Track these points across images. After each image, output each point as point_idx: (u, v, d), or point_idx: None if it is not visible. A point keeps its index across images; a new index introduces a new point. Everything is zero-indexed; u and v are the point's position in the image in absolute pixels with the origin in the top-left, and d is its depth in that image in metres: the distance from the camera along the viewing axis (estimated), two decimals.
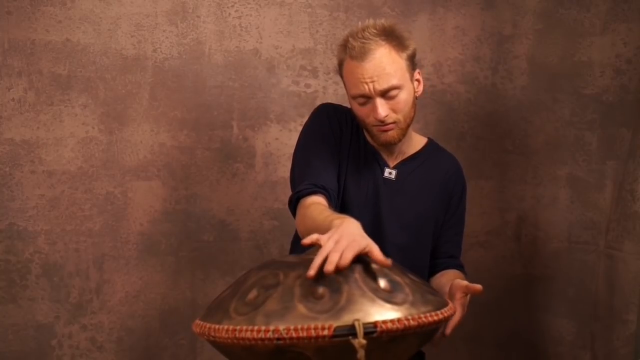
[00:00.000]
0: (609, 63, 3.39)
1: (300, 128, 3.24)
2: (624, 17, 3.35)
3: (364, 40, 2.27)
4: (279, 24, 3.33)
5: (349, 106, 2.45)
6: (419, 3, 3.43)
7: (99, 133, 3.17)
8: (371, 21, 2.33)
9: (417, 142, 2.57)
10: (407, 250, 2.41)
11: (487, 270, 3.52)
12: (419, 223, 2.48)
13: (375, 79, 2.27)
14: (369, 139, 2.48)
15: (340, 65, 2.37)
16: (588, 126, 3.43)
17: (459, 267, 2.61)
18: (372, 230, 2.28)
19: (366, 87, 2.27)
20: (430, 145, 2.61)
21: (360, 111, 2.35)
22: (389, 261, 1.82)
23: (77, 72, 3.14)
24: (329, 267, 1.72)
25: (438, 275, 2.55)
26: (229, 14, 3.28)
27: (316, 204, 2.23)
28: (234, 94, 3.30)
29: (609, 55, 3.39)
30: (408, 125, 2.40)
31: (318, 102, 3.31)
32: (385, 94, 2.29)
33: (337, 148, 2.45)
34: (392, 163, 2.50)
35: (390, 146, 2.44)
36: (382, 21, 2.34)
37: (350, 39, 2.30)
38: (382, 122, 2.32)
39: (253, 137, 3.32)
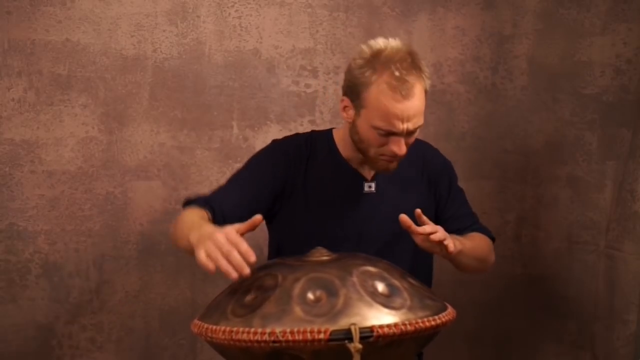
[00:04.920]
0: (609, 63, 3.38)
1: (300, 128, 3.27)
2: (624, 17, 3.35)
3: (407, 73, 2.18)
4: (279, 24, 3.33)
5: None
6: (419, 3, 3.43)
7: (99, 133, 3.18)
8: (398, 44, 2.25)
9: None
10: (393, 254, 2.36)
11: None
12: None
13: (411, 119, 2.20)
14: (342, 152, 2.44)
15: (364, 86, 2.23)
16: (588, 126, 3.43)
17: (479, 230, 2.58)
18: (358, 246, 2.29)
19: (401, 126, 2.20)
20: None
21: (375, 140, 2.26)
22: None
23: (77, 72, 3.14)
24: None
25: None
26: (229, 14, 3.28)
27: (196, 212, 2.23)
28: (234, 94, 3.30)
29: (609, 55, 3.38)
30: None
31: (318, 102, 3.33)
32: (410, 133, 2.25)
33: (265, 189, 2.39)
34: (369, 175, 2.45)
35: (390, 172, 2.39)
36: (407, 44, 2.28)
37: (392, 67, 2.18)
38: (397, 157, 2.28)
39: (253, 137, 3.32)
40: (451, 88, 3.49)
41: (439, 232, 2.08)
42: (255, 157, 2.50)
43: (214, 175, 3.29)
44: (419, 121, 2.24)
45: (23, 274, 3.13)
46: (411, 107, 2.19)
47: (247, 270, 1.76)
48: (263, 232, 3.31)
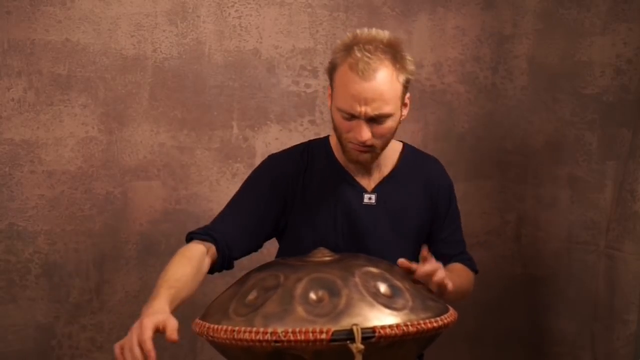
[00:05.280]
0: (609, 63, 3.39)
1: (300, 128, 3.27)
2: (624, 17, 3.35)
3: (369, 56, 2.13)
4: (279, 24, 3.33)
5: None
6: (419, 3, 3.43)
7: (98, 133, 3.17)
8: (380, 32, 2.21)
9: (392, 151, 2.42)
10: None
11: (487, 270, 3.50)
12: (403, 240, 2.38)
13: (369, 102, 2.14)
14: (340, 160, 2.38)
15: (334, 67, 2.21)
16: (588, 126, 3.43)
17: (464, 261, 2.51)
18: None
19: (358, 108, 2.15)
20: (407, 152, 2.47)
21: (342, 124, 2.22)
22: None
23: (77, 72, 3.14)
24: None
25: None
26: (229, 14, 3.28)
27: (183, 258, 2.21)
28: (234, 94, 3.30)
29: (609, 55, 3.39)
30: (383, 150, 2.30)
31: (318, 102, 3.33)
32: (373, 119, 2.17)
33: (268, 206, 2.35)
34: (369, 186, 2.37)
35: (364, 165, 2.34)
36: (390, 35, 2.22)
37: (355, 49, 2.14)
38: (361, 144, 2.21)
39: (253, 137, 3.32)
40: (451, 88, 3.49)
41: (439, 272, 2.02)
42: (253, 177, 2.44)
43: (214, 175, 3.29)
44: (381, 107, 2.16)
45: (23, 274, 3.13)
46: (369, 89, 2.13)
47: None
48: (273, 245, 3.32)
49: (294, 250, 2.29)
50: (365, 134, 2.18)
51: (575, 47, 3.44)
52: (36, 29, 3.09)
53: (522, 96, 3.51)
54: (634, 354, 3.16)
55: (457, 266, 2.46)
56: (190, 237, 2.28)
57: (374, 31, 2.21)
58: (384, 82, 2.15)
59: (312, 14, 3.35)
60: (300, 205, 2.36)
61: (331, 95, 2.27)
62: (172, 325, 1.91)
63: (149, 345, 1.82)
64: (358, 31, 2.22)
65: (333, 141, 2.41)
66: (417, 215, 2.41)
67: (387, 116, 2.18)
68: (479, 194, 3.49)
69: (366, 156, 2.26)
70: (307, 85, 3.36)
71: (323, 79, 3.37)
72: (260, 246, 2.39)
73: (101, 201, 3.20)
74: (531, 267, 3.57)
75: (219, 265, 2.26)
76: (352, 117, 2.17)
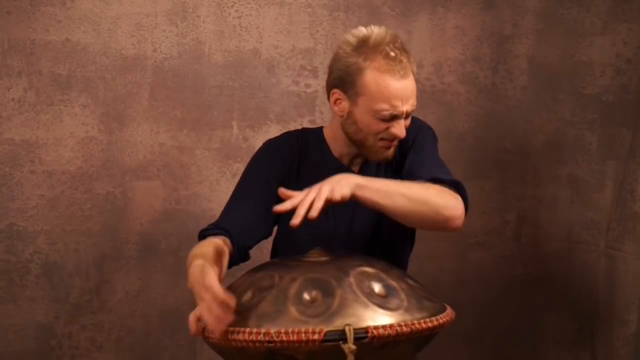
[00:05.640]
0: (609, 63, 3.39)
1: (300, 128, 3.26)
2: (624, 17, 3.35)
3: (401, 55, 2.16)
4: (279, 24, 3.33)
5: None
6: (419, 3, 3.43)
7: (98, 133, 3.18)
8: (384, 30, 2.21)
9: None
10: (380, 247, 2.33)
11: (487, 270, 3.52)
12: (390, 219, 2.26)
13: (409, 99, 2.18)
14: (335, 153, 2.39)
15: (358, 72, 2.18)
16: (588, 126, 3.43)
17: (429, 180, 2.15)
18: (348, 240, 2.30)
19: (401, 107, 2.17)
20: None
21: (375, 126, 2.21)
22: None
23: (77, 72, 3.14)
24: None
25: None
26: (229, 13, 3.28)
27: (204, 245, 2.18)
28: (234, 94, 3.30)
29: (609, 55, 3.39)
30: None
31: (318, 102, 3.33)
32: (408, 115, 2.22)
33: (271, 190, 2.26)
34: (355, 169, 2.38)
35: (387, 160, 2.33)
36: (391, 31, 2.23)
37: (387, 49, 2.16)
38: (397, 140, 2.24)
39: (253, 137, 3.32)
40: (451, 88, 3.48)
41: (299, 208, 1.91)
42: (252, 164, 2.45)
43: (214, 175, 3.30)
44: (414, 102, 2.21)
45: (23, 274, 3.14)
46: (409, 86, 2.18)
47: (230, 319, 1.75)
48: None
49: (287, 235, 2.34)
50: (404, 130, 2.23)
51: (575, 47, 3.44)
52: (36, 29, 3.09)
53: (522, 96, 3.50)
54: (634, 354, 3.15)
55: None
56: (202, 235, 2.27)
57: (382, 30, 2.22)
58: (412, 78, 2.20)
59: (312, 14, 3.35)
60: (295, 189, 2.37)
61: (347, 101, 2.24)
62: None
63: (223, 294, 1.76)
64: (361, 33, 2.22)
65: (327, 134, 2.42)
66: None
67: (414, 110, 2.24)
68: (479, 194, 3.49)
69: (393, 150, 2.30)
70: (307, 85, 3.36)
71: (323, 79, 3.33)
72: (272, 231, 2.40)
73: (101, 201, 3.20)
74: (531, 267, 3.56)
75: (236, 257, 2.25)
76: (393, 116, 2.19)
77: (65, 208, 3.17)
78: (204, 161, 3.29)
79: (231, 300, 1.75)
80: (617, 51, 3.37)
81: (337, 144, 2.38)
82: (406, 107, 2.18)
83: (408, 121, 2.25)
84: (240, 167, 3.28)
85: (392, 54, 2.15)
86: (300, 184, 2.36)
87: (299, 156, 2.41)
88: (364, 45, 2.19)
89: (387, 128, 2.22)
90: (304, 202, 1.90)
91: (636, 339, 3.16)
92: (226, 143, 3.30)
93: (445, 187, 2.12)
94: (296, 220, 1.85)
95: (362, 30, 2.23)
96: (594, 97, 3.41)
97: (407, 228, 2.34)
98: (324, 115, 3.34)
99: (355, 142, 2.31)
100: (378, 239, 2.37)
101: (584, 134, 3.44)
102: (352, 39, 2.22)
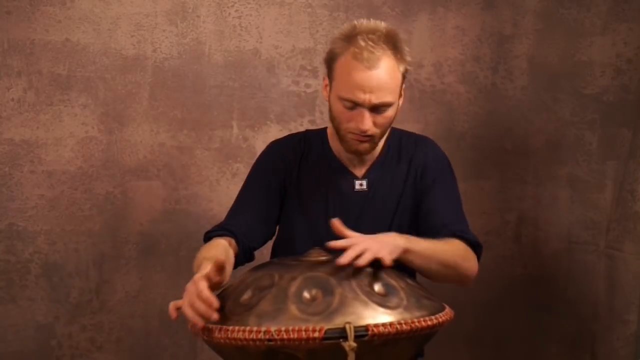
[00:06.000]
0: (609, 63, 3.39)
1: (300, 128, 3.26)
2: (624, 16, 3.36)
3: (373, 45, 2.16)
4: (279, 24, 3.33)
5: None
6: (419, 3, 3.43)
7: (98, 133, 3.18)
8: (379, 23, 2.24)
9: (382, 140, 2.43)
10: None
11: (487, 270, 3.48)
12: (396, 224, 2.35)
13: (373, 90, 2.17)
14: (334, 149, 2.42)
15: (334, 57, 2.23)
16: (588, 126, 3.43)
17: (454, 233, 2.27)
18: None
19: (362, 96, 2.17)
20: (393, 136, 2.45)
21: (343, 114, 2.24)
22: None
23: (77, 72, 3.14)
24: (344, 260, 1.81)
25: None
26: (229, 13, 3.28)
27: (210, 245, 2.21)
28: (234, 94, 3.30)
29: (609, 55, 3.39)
30: (381, 139, 2.33)
31: (318, 102, 3.33)
32: (375, 108, 2.20)
33: (274, 191, 2.40)
34: (360, 173, 2.40)
35: (362, 154, 2.35)
36: (389, 26, 2.24)
37: (359, 37, 2.17)
38: (362, 133, 2.23)
39: (253, 137, 3.32)
40: (451, 88, 3.48)
41: (350, 251, 1.89)
42: (257, 165, 2.49)
43: (214, 175, 3.30)
44: (384, 96, 2.19)
45: (23, 274, 3.14)
46: (374, 77, 2.16)
47: (213, 316, 1.78)
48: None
49: (287, 237, 2.39)
50: (367, 122, 2.21)
51: (575, 47, 3.44)
52: (36, 29, 3.10)
53: (522, 96, 3.50)
54: (634, 354, 3.15)
55: (443, 239, 2.23)
56: (208, 237, 2.30)
57: (373, 22, 2.24)
58: (387, 71, 2.18)
59: (312, 14, 3.35)
60: (294, 191, 2.42)
61: (329, 86, 2.29)
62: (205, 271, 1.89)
63: (205, 292, 1.80)
64: (356, 22, 2.25)
65: (329, 132, 2.45)
66: (407, 197, 2.39)
67: (388, 105, 2.22)
68: (479, 194, 3.49)
69: (366, 146, 2.29)
70: (307, 85, 3.36)
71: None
72: (274, 231, 2.46)
73: (101, 201, 3.20)
74: (531, 267, 3.56)
75: (241, 257, 2.29)
76: (355, 105, 2.20)
77: (65, 208, 3.17)
78: (204, 161, 3.29)
79: (214, 301, 1.78)
80: (617, 51, 3.38)
81: (334, 140, 2.41)
82: (369, 97, 2.18)
83: (382, 118, 2.24)
84: (240, 167, 3.29)
85: (363, 43, 2.17)
86: (300, 184, 2.39)
87: (300, 158, 2.43)
88: (348, 33, 2.22)
89: (353, 118, 2.23)
90: (357, 248, 1.89)
91: (636, 339, 3.16)
92: (226, 143, 3.30)
93: (468, 246, 2.26)
94: (344, 260, 1.85)
95: (360, 20, 2.25)
96: (594, 97, 3.42)
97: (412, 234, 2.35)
98: (324, 115, 3.34)
99: (335, 130, 2.33)
100: None
101: (584, 134, 3.44)
102: (346, 27, 2.26)
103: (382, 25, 2.23)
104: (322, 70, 3.30)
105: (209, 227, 3.22)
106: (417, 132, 2.55)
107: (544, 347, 3.55)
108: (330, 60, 2.26)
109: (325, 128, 2.49)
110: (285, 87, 3.35)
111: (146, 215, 3.26)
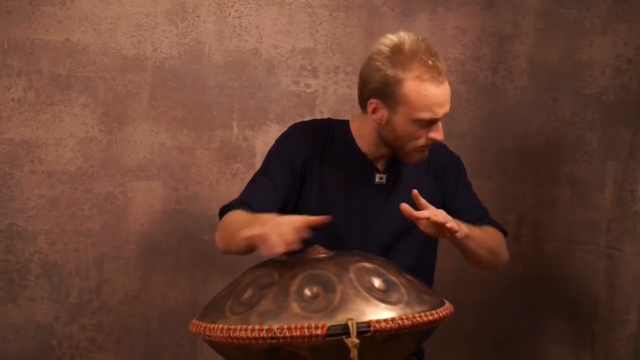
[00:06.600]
0: (609, 63, 3.39)
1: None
2: (624, 16, 3.36)
3: (437, 60, 2.23)
4: (279, 24, 3.33)
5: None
6: (419, 3, 3.43)
7: (98, 133, 3.17)
8: (419, 36, 2.29)
9: None
10: (397, 250, 2.39)
11: None
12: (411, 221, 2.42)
13: (447, 103, 2.26)
14: (357, 142, 2.45)
15: (397, 83, 2.23)
16: (588, 126, 3.44)
17: (490, 223, 2.53)
18: (364, 237, 2.31)
19: (440, 111, 2.24)
20: None
21: (416, 133, 2.29)
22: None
23: (77, 72, 3.14)
24: None
25: None
26: (229, 13, 3.28)
27: (238, 213, 2.25)
28: (234, 94, 3.30)
29: (609, 55, 3.39)
30: None
31: (318, 102, 3.33)
32: (445, 117, 2.29)
33: (295, 171, 2.41)
34: (381, 167, 2.46)
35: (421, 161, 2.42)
36: (418, 35, 2.30)
37: (424, 58, 2.21)
38: (435, 143, 2.32)
39: (253, 137, 3.32)
40: (451, 88, 3.44)
41: (439, 215, 2.09)
42: (278, 143, 2.50)
43: (214, 175, 3.29)
44: (450, 104, 2.29)
45: (23, 274, 3.13)
46: (447, 90, 2.26)
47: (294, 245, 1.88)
48: None
49: None
50: (442, 132, 2.31)
51: (575, 47, 3.44)
52: (36, 29, 3.09)
53: (522, 96, 3.51)
54: (634, 354, 3.15)
55: (483, 227, 2.46)
56: (225, 210, 2.32)
57: (413, 36, 2.29)
58: (447, 81, 2.28)
59: (312, 14, 3.35)
60: (316, 175, 2.44)
61: (388, 110, 2.30)
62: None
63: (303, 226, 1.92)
64: (395, 40, 2.28)
65: (354, 128, 2.48)
66: (426, 192, 2.40)
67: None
68: (479, 194, 3.46)
69: (427, 152, 2.38)
70: (307, 85, 3.36)
71: (323, 79, 3.36)
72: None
73: (101, 201, 3.20)
74: (531, 267, 3.56)
75: None
76: (432, 122, 2.27)
77: (65, 208, 3.17)
78: (204, 161, 3.29)
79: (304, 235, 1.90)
80: (617, 51, 3.38)
81: (363, 141, 2.45)
82: (445, 110, 2.27)
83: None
84: (240, 167, 3.29)
85: (430, 62, 2.22)
86: (322, 171, 2.40)
87: (324, 143, 2.46)
88: (399, 54, 2.24)
89: (424, 134, 2.29)
90: (433, 210, 2.09)
91: (636, 339, 3.16)
92: (226, 143, 3.30)
93: (501, 233, 2.53)
94: (422, 214, 2.06)
95: (393, 39, 2.29)
96: (594, 97, 3.42)
97: (431, 242, 2.47)
98: (324, 115, 3.34)
99: (393, 147, 2.38)
100: (392, 246, 2.43)
101: (584, 134, 3.44)
102: (384, 49, 2.28)
103: (418, 36, 2.29)
104: (322, 70, 3.32)
105: (209, 227, 3.25)
106: None
107: (544, 347, 3.55)
108: (388, 87, 2.26)
109: (347, 121, 2.52)
110: (285, 87, 3.34)
111: (146, 215, 3.26)
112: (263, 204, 2.29)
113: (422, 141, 2.30)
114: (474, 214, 2.51)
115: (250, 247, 2.06)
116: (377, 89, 2.29)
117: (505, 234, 2.55)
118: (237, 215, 2.23)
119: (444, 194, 2.54)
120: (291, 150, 2.43)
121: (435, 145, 2.48)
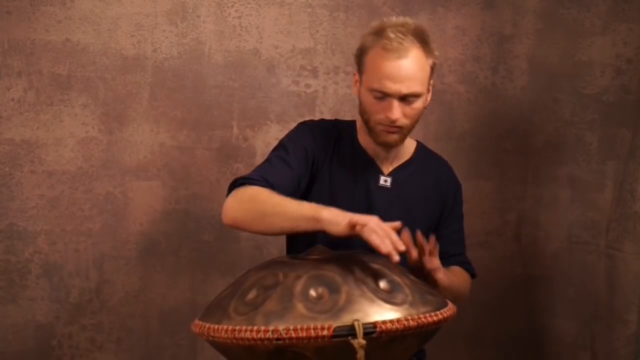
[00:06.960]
0: (609, 63, 3.39)
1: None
2: (624, 17, 3.36)
3: (402, 37, 2.23)
4: (279, 24, 3.33)
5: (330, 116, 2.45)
6: (419, 3, 3.43)
7: (98, 133, 3.17)
8: (407, 18, 2.31)
9: (409, 145, 2.55)
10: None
11: (487, 270, 3.50)
12: (414, 226, 2.34)
13: (403, 80, 2.24)
14: (362, 143, 2.48)
15: (364, 51, 2.31)
16: (588, 126, 3.44)
17: (463, 264, 2.59)
18: (364, 245, 2.31)
19: (391, 86, 2.24)
20: (421, 149, 2.59)
21: (373, 105, 2.30)
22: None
23: (77, 72, 3.14)
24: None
25: None
26: (229, 13, 3.28)
27: (270, 192, 2.19)
28: (234, 94, 3.29)
29: (609, 55, 3.39)
30: (409, 132, 2.39)
31: (318, 102, 3.32)
32: (405, 98, 2.26)
33: (307, 163, 2.40)
34: (386, 170, 2.48)
35: (388, 149, 2.43)
36: (417, 22, 2.32)
37: (388, 30, 2.24)
38: (391, 124, 2.29)
39: (253, 137, 3.32)
40: (451, 88, 3.49)
41: (434, 260, 2.16)
42: (292, 134, 2.48)
43: (214, 175, 3.29)
44: (413, 86, 2.25)
45: (23, 274, 3.13)
46: (403, 67, 2.23)
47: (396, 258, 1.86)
48: (274, 244, 3.30)
49: (307, 235, 2.35)
50: (397, 111, 2.27)
51: (575, 47, 3.44)
52: (36, 29, 3.09)
53: (522, 96, 3.51)
54: (634, 354, 3.15)
55: (454, 268, 2.54)
56: (241, 183, 2.25)
57: (401, 18, 2.32)
58: (415, 61, 2.26)
59: (312, 14, 3.35)
60: (326, 174, 2.44)
61: (359, 81, 2.36)
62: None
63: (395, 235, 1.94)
64: (385, 18, 2.33)
65: (358, 126, 2.50)
66: (427, 205, 2.50)
67: (417, 96, 2.29)
68: (479, 194, 3.49)
69: (395, 137, 2.36)
70: (307, 85, 3.35)
71: (323, 79, 3.36)
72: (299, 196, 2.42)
73: (101, 201, 3.20)
74: (531, 267, 3.57)
75: None
76: (385, 96, 2.27)
77: (65, 208, 3.16)
78: (204, 161, 3.29)
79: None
80: (617, 51, 3.38)
81: (362, 134, 2.48)
82: (399, 87, 2.24)
83: (411, 108, 2.30)
84: (240, 167, 3.29)
85: (392, 35, 2.24)
86: (331, 169, 2.40)
87: (334, 142, 2.47)
88: (378, 28, 2.29)
89: (383, 110, 2.29)
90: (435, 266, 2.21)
91: (636, 339, 3.16)
92: (226, 143, 3.30)
93: (470, 277, 2.61)
94: (432, 265, 2.18)
95: (389, 17, 2.34)
96: (594, 97, 3.42)
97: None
98: (324, 115, 3.34)
99: (365, 124, 2.39)
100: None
101: (584, 134, 3.44)
102: (375, 23, 2.34)
103: (410, 20, 2.31)
104: (322, 70, 3.32)
105: (209, 227, 3.26)
106: (417, 132, 2.59)
107: (544, 347, 3.55)
108: (360, 55, 2.34)
109: (354, 121, 2.54)
110: (285, 87, 3.34)
111: (146, 215, 3.25)
112: (284, 189, 2.24)
113: (381, 117, 2.29)
114: (454, 247, 2.59)
115: (297, 228, 2.06)
116: (355, 57, 2.37)
117: (473, 276, 2.63)
118: (269, 193, 2.17)
119: (441, 213, 2.58)
120: (306, 143, 2.42)
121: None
